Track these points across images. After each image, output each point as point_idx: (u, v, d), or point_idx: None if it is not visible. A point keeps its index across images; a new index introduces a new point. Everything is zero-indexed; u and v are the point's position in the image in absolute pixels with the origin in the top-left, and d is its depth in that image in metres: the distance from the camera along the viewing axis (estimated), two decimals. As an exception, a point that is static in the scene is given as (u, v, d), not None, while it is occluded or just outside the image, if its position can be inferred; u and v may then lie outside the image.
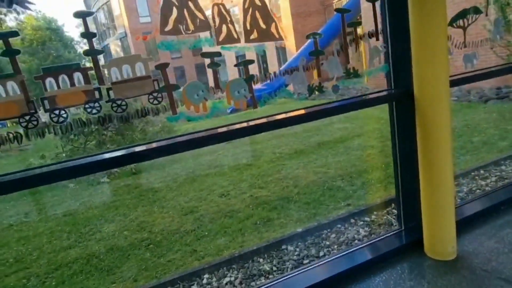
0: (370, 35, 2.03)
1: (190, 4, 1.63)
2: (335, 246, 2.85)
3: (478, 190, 3.42)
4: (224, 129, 1.78)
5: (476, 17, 2.28)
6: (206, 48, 1.72)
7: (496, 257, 2.02)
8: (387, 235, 2.33)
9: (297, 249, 2.88)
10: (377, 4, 2.03)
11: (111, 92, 1.53)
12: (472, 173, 3.82)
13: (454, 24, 2.25)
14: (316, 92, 1.94)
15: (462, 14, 2.25)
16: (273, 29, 1.82)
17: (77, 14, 1.50)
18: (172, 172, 6.28)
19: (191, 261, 3.05)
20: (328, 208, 3.69)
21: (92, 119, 1.56)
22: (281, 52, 19.08)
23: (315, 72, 1.96)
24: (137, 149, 1.65)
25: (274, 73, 1.88)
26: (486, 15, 2.36)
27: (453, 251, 2.08)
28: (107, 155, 1.59)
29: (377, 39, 2.04)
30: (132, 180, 6.27)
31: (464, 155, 4.71)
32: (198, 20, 1.65)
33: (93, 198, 5.59)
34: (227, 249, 3.14)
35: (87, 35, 1.50)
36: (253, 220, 3.66)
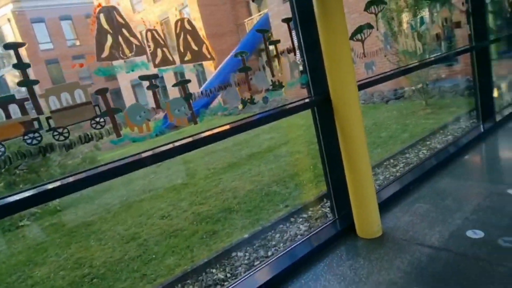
0: (289, 51, 2.31)
1: (124, 31, 1.72)
2: (281, 244, 3.05)
3: (391, 176, 3.97)
4: (149, 153, 1.77)
5: (370, 31, 2.71)
6: (143, 71, 1.80)
7: (412, 227, 2.41)
8: (324, 226, 2.58)
9: (247, 254, 3.01)
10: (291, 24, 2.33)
11: (51, 121, 1.53)
12: (385, 163, 4.42)
13: (354, 38, 2.64)
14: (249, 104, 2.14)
15: (359, 30, 2.65)
16: (204, 50, 1.99)
17: (8, 46, 1.48)
18: (103, 202, 5.95)
19: (143, 285, 2.98)
20: (268, 212, 3.91)
21: (33, 150, 1.54)
22: (200, 71, 19.28)
23: (243, 87, 2.15)
24: (50, 186, 1.55)
25: (210, 91, 2.03)
26: (377, 29, 2.80)
27: (378, 229, 2.41)
28: (11, 198, 1.45)
29: (295, 54, 2.34)
30: (57, 218, 5.78)
31: (376, 149, 5.37)
32: (133, 46, 1.74)
33: (14, 244, 5.02)
34: (178, 267, 3.13)
35: (20, 65, 1.49)
36: (199, 235, 3.70)
